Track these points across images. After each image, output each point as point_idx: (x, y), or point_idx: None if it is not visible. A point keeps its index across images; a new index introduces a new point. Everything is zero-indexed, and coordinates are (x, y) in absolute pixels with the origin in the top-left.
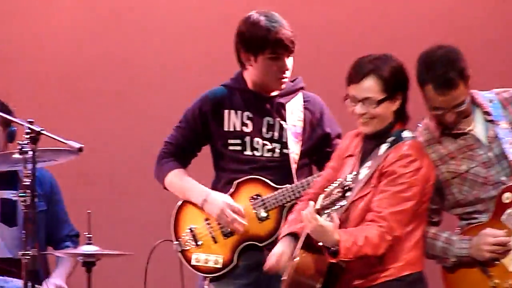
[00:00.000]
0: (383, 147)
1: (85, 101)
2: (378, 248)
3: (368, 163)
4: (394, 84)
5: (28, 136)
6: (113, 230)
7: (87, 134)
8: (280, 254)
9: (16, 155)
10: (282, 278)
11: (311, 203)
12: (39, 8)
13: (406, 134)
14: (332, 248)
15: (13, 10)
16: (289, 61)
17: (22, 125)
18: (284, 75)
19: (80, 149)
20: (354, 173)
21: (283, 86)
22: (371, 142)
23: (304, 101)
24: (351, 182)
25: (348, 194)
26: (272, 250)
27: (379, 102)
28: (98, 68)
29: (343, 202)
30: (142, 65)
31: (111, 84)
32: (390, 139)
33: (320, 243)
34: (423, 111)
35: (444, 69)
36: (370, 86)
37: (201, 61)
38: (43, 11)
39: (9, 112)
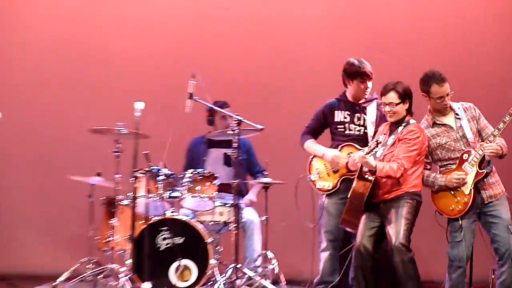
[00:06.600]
0: (400, 128)
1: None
2: (396, 173)
3: (393, 136)
4: (404, 94)
5: (236, 122)
6: (278, 168)
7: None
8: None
9: (230, 131)
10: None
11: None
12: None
13: (411, 121)
14: (372, 170)
15: None
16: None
17: (232, 116)
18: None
19: (261, 129)
20: (382, 137)
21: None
22: (394, 126)
23: (377, 105)
24: (381, 141)
25: (380, 146)
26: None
27: (397, 104)
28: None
29: (378, 149)
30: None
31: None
32: (403, 124)
33: (366, 169)
34: (423, 113)
35: (439, 74)
36: (392, 96)
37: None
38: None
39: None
